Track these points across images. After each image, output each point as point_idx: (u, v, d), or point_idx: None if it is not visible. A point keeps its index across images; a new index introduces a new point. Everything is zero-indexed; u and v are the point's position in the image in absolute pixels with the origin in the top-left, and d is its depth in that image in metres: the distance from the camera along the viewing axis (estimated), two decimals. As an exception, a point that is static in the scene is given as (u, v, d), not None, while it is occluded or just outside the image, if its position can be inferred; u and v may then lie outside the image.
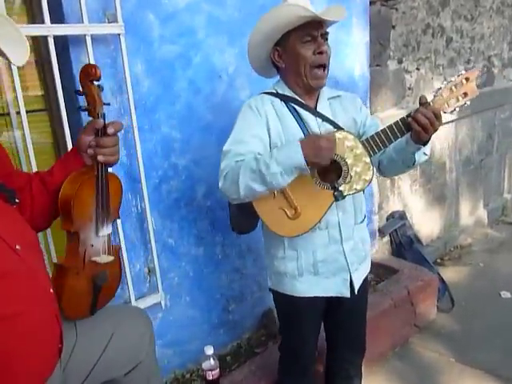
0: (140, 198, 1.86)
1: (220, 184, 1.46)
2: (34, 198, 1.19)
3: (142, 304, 1.89)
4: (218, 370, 1.86)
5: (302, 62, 1.48)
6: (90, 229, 1.21)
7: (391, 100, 2.99)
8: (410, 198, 3.34)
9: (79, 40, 1.61)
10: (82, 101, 1.24)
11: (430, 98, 1.42)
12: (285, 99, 1.56)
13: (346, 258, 1.58)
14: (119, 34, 1.66)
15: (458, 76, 1.42)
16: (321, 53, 1.48)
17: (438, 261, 3.63)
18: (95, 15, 1.66)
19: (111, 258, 1.25)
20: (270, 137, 1.52)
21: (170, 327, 2.07)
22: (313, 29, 1.46)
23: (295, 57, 1.49)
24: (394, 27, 2.87)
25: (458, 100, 1.41)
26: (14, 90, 1.73)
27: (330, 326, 1.84)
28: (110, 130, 1.18)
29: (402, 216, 3.18)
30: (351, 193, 1.45)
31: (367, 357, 2.41)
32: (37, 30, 1.49)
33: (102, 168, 1.19)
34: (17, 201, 1.08)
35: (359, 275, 1.66)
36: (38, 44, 1.71)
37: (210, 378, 1.83)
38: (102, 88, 1.23)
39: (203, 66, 1.99)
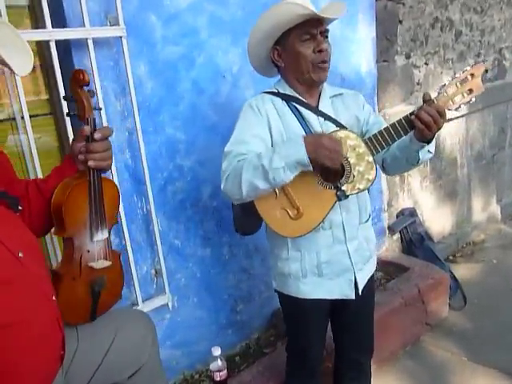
0: (145, 200, 1.86)
1: (222, 185, 1.46)
2: (31, 204, 1.20)
3: (150, 306, 1.90)
4: (226, 370, 1.85)
5: (303, 60, 1.46)
6: (85, 234, 1.21)
7: (399, 96, 2.95)
8: (420, 195, 3.30)
9: (81, 44, 1.62)
10: (74, 106, 1.24)
11: (434, 94, 1.39)
12: (286, 98, 1.55)
13: (350, 258, 1.57)
14: (121, 37, 1.66)
15: (463, 72, 1.39)
16: (321, 51, 1.46)
17: (450, 258, 3.58)
18: (97, 18, 1.66)
19: (108, 263, 1.24)
20: (271, 136, 1.51)
21: (178, 328, 2.07)
22: (312, 27, 1.45)
23: (295, 55, 1.47)
24: (401, 22, 2.83)
25: (463, 97, 1.38)
26: (16, 95, 1.76)
27: (336, 328, 1.82)
28: (97, 136, 1.18)
29: (412, 213, 3.14)
30: (354, 192, 1.43)
31: (377, 356, 2.39)
32: (38, 34, 1.50)
33: (95, 173, 1.19)
34: (20, 208, 1.08)
35: (364, 275, 1.64)
36: (42, 48, 1.73)
37: (218, 378, 1.83)
38: (94, 93, 1.23)
39: (207, 66, 1.98)
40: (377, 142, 1.40)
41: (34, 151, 1.55)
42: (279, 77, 1.61)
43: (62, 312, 1.15)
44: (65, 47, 1.64)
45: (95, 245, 1.24)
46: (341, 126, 1.54)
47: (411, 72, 3.01)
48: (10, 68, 0.97)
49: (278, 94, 1.56)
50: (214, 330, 2.21)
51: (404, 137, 1.44)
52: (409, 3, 2.87)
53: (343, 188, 1.43)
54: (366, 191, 1.68)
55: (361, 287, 1.62)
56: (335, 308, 1.72)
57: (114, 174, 1.73)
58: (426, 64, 3.11)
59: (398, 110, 2.88)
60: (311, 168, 1.35)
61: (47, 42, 1.56)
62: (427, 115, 1.33)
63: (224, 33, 2.00)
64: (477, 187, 3.90)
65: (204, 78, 1.98)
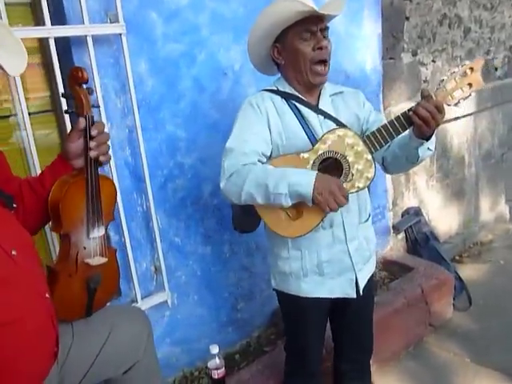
0: (145, 197, 1.86)
1: (222, 184, 1.45)
2: (25, 202, 1.20)
3: (149, 302, 1.90)
4: (224, 368, 1.86)
5: (302, 58, 1.45)
6: (81, 231, 1.21)
7: (405, 93, 2.92)
8: (426, 194, 3.27)
9: (81, 41, 1.62)
10: (72, 103, 1.24)
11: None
12: (285, 96, 1.54)
13: (350, 257, 1.55)
14: (120, 34, 1.66)
15: (462, 66, 1.36)
16: (320, 48, 1.45)
17: (457, 258, 3.54)
18: (97, 16, 1.66)
19: (104, 260, 1.25)
20: (270, 134, 1.50)
21: (178, 326, 2.07)
22: (312, 24, 1.43)
23: (294, 53, 1.46)
24: (407, 19, 2.80)
25: (462, 92, 1.36)
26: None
27: (336, 327, 1.82)
28: (94, 132, 1.18)
29: (417, 212, 3.10)
30: (353, 191, 1.42)
31: (379, 356, 2.38)
32: (38, 32, 1.51)
33: (92, 170, 1.19)
34: (14, 206, 1.09)
35: (364, 275, 1.63)
36: (43, 46, 1.73)
37: (216, 376, 1.83)
38: (92, 91, 1.23)
39: (208, 63, 1.98)
40: (375, 140, 1.39)
41: (33, 148, 1.55)
42: (279, 75, 1.60)
43: (58, 308, 1.16)
44: (65, 44, 1.65)
45: (91, 242, 1.24)
46: (340, 125, 1.52)
47: (418, 69, 2.97)
48: (1, 68, 0.97)
49: (277, 92, 1.55)
50: (215, 327, 2.21)
51: (403, 134, 1.42)
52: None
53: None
54: (367, 191, 1.67)
55: (361, 287, 1.61)
56: (335, 307, 1.71)
57: (113, 171, 1.73)
58: (434, 61, 3.07)
59: (404, 107, 2.82)
60: (310, 204, 1.35)
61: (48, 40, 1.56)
62: (425, 111, 1.31)
63: (226, 30, 1.99)
64: (485, 187, 3.85)
65: (205, 76, 1.98)
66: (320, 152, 1.42)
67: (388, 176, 2.93)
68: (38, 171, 1.60)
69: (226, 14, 1.98)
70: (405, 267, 2.85)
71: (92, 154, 1.18)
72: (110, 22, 1.68)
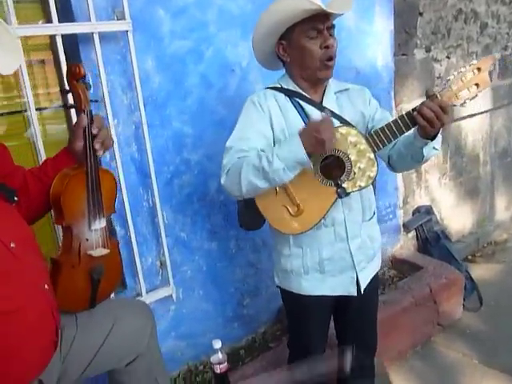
0: (151, 193, 1.88)
1: (222, 180, 1.46)
2: (30, 190, 1.24)
3: (154, 296, 1.93)
4: (226, 363, 1.86)
5: (309, 56, 1.44)
6: (83, 223, 1.24)
7: (418, 90, 2.87)
8: (438, 192, 3.22)
9: (88, 38, 1.64)
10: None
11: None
12: (289, 94, 1.53)
13: (352, 256, 1.55)
14: (127, 31, 1.67)
15: (470, 66, 1.34)
16: (327, 47, 1.43)
17: (469, 257, 3.49)
18: (104, 13, 1.68)
19: (106, 251, 1.27)
20: (273, 133, 1.50)
21: (184, 320, 2.10)
22: (318, 22, 1.42)
23: (301, 51, 1.45)
24: (421, 14, 2.75)
25: (469, 92, 1.34)
26: (32, 87, 1.80)
27: (339, 326, 1.82)
28: (95, 130, 1.21)
29: (428, 211, 3.06)
30: (355, 190, 1.41)
31: (385, 355, 2.37)
32: (45, 29, 1.53)
33: (92, 163, 1.22)
34: (16, 199, 1.11)
35: (366, 274, 1.62)
36: (54, 43, 1.76)
37: (218, 371, 1.83)
38: (90, 86, 1.26)
39: (215, 60, 1.98)
40: (378, 139, 1.37)
41: (40, 143, 1.58)
42: (284, 71, 1.59)
43: (62, 300, 1.19)
44: (73, 41, 1.67)
45: (93, 233, 1.26)
46: (345, 122, 1.51)
47: (431, 66, 2.92)
48: None
49: (281, 90, 1.55)
50: (220, 322, 2.23)
51: (408, 133, 1.41)
52: (430, -5, 2.79)
53: (344, 185, 1.41)
54: (371, 189, 1.66)
55: (363, 286, 1.60)
56: (338, 305, 1.71)
57: (119, 167, 1.76)
58: (448, 58, 3.01)
59: (416, 104, 2.80)
60: (311, 166, 1.33)
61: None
62: (429, 111, 1.29)
63: (233, 26, 1.99)
64: (500, 185, 3.77)
65: (212, 72, 1.98)
66: (322, 150, 1.41)
67: (399, 174, 2.90)
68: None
69: (234, 11, 1.98)
70: (414, 266, 2.82)
71: (99, 153, 1.23)
72: (117, 19, 1.69)
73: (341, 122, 1.51)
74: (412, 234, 3.10)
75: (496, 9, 3.27)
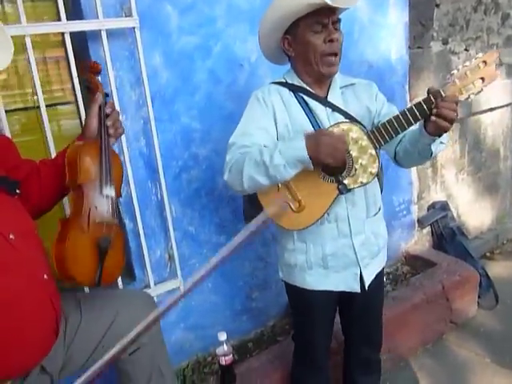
0: (159, 187, 1.91)
1: (225, 176, 1.48)
2: (42, 179, 1.30)
3: (162, 288, 1.97)
4: (232, 355, 1.90)
5: (312, 50, 1.43)
6: (95, 185, 1.30)
7: (434, 84, 2.81)
8: (455, 188, 3.16)
9: (97, 35, 1.67)
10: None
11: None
12: (293, 89, 1.53)
13: (355, 252, 1.54)
14: (134, 28, 1.69)
15: (475, 59, 1.31)
16: (331, 41, 1.42)
17: (488, 255, 3.41)
18: (112, 10, 1.71)
19: (114, 221, 1.32)
20: (277, 128, 1.50)
21: (192, 312, 2.13)
22: (323, 16, 1.40)
23: (305, 45, 1.44)
24: (438, 6, 2.68)
25: (474, 86, 1.31)
26: (44, 84, 1.85)
27: (345, 322, 1.83)
28: (108, 110, 1.37)
29: (444, 206, 3.01)
30: (356, 186, 1.40)
31: (394, 351, 2.36)
32: (54, 27, 1.57)
33: (105, 138, 1.34)
34: (18, 191, 1.15)
35: (371, 271, 1.61)
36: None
37: (223, 363, 1.88)
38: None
39: (224, 55, 1.99)
40: (379, 135, 1.36)
41: (50, 137, 1.62)
42: (289, 66, 1.59)
43: (70, 266, 1.22)
44: (82, 38, 1.71)
45: (104, 200, 1.31)
46: (349, 118, 1.51)
47: (449, 58, 2.85)
48: None
49: (285, 85, 1.55)
50: (229, 315, 2.26)
51: (413, 129, 1.39)
52: (448, -15, 2.72)
53: (345, 182, 1.40)
54: (377, 184, 1.65)
55: (367, 282, 1.60)
56: (343, 301, 1.71)
57: (127, 161, 1.79)
58: (467, 50, 2.93)
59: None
60: (312, 166, 1.33)
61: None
62: (450, 112, 1.26)
63: (242, 21, 1.99)
64: (521, 181, 3.67)
65: (221, 68, 1.99)
66: (323, 146, 1.41)
67: (413, 168, 2.85)
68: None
69: (242, 6, 1.98)
70: (428, 262, 2.79)
71: (111, 133, 1.36)
72: (125, 16, 1.72)
73: (345, 117, 1.50)
74: (427, 230, 3.06)
75: (519, -1, 3.16)
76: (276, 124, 1.50)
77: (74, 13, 1.70)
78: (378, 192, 1.65)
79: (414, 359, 2.44)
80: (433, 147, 1.39)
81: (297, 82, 1.53)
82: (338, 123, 1.40)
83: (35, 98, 1.85)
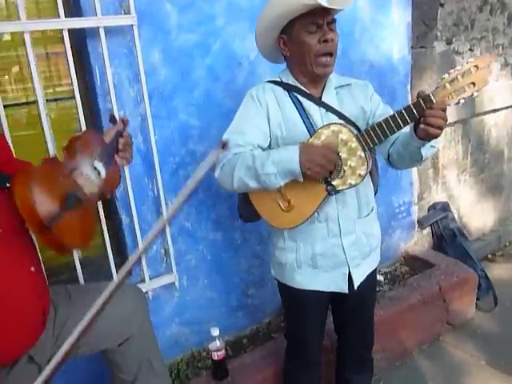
0: (156, 183, 1.94)
1: (216, 173, 1.50)
2: None
3: (157, 283, 1.99)
4: (224, 351, 1.92)
5: (307, 50, 1.44)
6: (87, 159, 1.29)
7: (437, 84, 2.79)
8: (457, 189, 3.14)
9: (96, 32, 1.69)
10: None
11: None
12: (288, 88, 1.54)
13: (344, 252, 1.55)
14: (132, 25, 1.71)
15: (467, 63, 1.30)
16: (326, 41, 1.42)
17: (489, 256, 3.40)
18: (112, 7, 1.72)
19: (93, 189, 1.28)
20: (270, 127, 1.51)
21: (188, 307, 2.16)
22: (318, 17, 1.41)
23: (300, 45, 1.45)
24: (442, 5, 2.66)
25: (464, 91, 1.30)
26: (45, 79, 1.89)
27: (337, 321, 1.85)
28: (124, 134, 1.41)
29: (444, 207, 3.00)
30: (345, 188, 1.41)
31: (389, 352, 2.37)
32: (52, 24, 1.59)
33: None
34: (8, 185, 1.17)
35: (362, 271, 1.62)
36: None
37: (216, 358, 1.90)
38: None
39: (223, 53, 2.00)
40: (368, 138, 1.36)
41: (47, 131, 1.65)
42: (285, 65, 1.60)
43: (38, 193, 1.11)
44: (81, 35, 1.73)
45: (91, 173, 1.28)
46: (343, 118, 1.51)
47: (452, 58, 2.84)
48: None
49: (280, 84, 1.55)
50: (224, 311, 2.28)
51: (405, 131, 1.39)
52: (453, -15, 2.69)
53: (334, 183, 1.41)
54: (370, 184, 1.65)
55: (357, 282, 1.60)
56: (334, 301, 1.73)
57: (124, 157, 1.81)
58: (471, 50, 2.91)
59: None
60: (302, 179, 1.35)
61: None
62: (435, 119, 1.26)
63: (241, 19, 2.00)
64: (526, 183, 3.64)
65: (220, 65, 2.00)
66: (313, 146, 1.42)
67: (414, 169, 2.85)
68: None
69: (242, 3, 1.99)
70: (426, 263, 2.79)
71: (120, 147, 1.38)
72: (124, 13, 1.74)
73: (339, 118, 1.51)
74: (427, 230, 3.05)
75: (526, -1, 3.12)
76: (269, 122, 1.51)
77: (75, 9, 1.73)
78: (371, 193, 1.66)
79: (410, 359, 2.45)
80: (423, 151, 1.39)
81: (291, 81, 1.54)
82: (329, 124, 1.41)
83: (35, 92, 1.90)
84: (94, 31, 1.69)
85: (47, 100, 1.90)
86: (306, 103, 1.52)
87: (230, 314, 2.31)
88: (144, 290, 1.94)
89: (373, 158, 1.63)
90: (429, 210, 3.01)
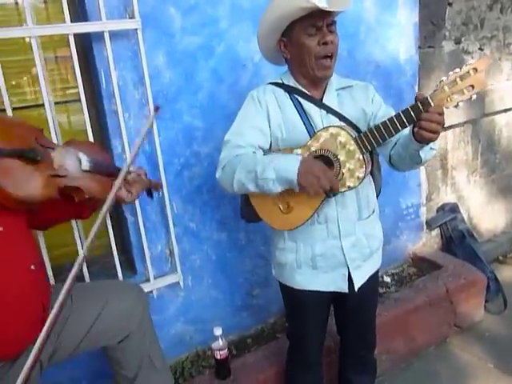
0: (160, 183, 1.96)
1: (217, 174, 1.52)
2: None
3: (162, 282, 2.02)
4: (227, 350, 1.94)
5: (307, 53, 1.44)
6: (73, 150, 1.36)
7: (446, 84, 2.77)
8: (466, 190, 3.11)
9: (101, 36, 1.72)
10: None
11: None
12: (289, 90, 1.55)
13: (344, 253, 1.56)
14: (136, 29, 1.74)
15: (466, 66, 1.30)
16: (325, 43, 1.43)
17: (501, 258, 3.35)
18: (117, 12, 1.76)
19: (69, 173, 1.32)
20: (270, 128, 1.52)
21: (192, 306, 2.18)
22: (317, 19, 1.41)
23: (300, 48, 1.46)
24: (450, 4, 2.64)
25: (462, 93, 1.29)
26: (54, 82, 1.93)
27: (338, 322, 1.85)
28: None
29: (453, 208, 2.97)
30: (343, 190, 1.41)
31: (394, 353, 2.36)
32: (58, 29, 1.62)
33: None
34: None
35: (362, 273, 1.62)
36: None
37: (219, 357, 1.92)
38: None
39: (227, 55, 2.01)
40: (366, 141, 1.36)
41: (53, 133, 1.69)
42: (286, 67, 1.61)
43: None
44: (88, 39, 1.77)
45: (69, 156, 1.33)
46: (344, 120, 1.52)
47: (462, 58, 2.81)
48: None
49: (281, 85, 1.57)
50: (229, 311, 2.30)
51: (405, 133, 1.39)
52: (462, -16, 2.67)
53: None
54: (372, 186, 1.66)
55: (358, 284, 1.60)
56: (336, 302, 1.73)
57: (128, 158, 1.84)
58: (481, 49, 2.88)
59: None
60: (298, 190, 1.35)
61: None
62: (432, 124, 1.26)
63: (245, 21, 2.01)
64: (539, 184, 3.58)
65: (224, 67, 2.02)
66: (312, 149, 1.43)
67: (422, 169, 2.83)
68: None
69: (246, 5, 2.00)
70: (434, 265, 2.77)
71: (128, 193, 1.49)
72: (129, 18, 1.76)
73: (340, 120, 1.51)
74: (436, 232, 3.03)
75: (539, -3, 3.07)
76: (270, 124, 1.52)
77: (81, 14, 1.76)
78: (372, 194, 1.66)
79: (416, 361, 2.43)
80: (421, 154, 1.39)
81: (292, 83, 1.55)
82: (327, 127, 1.42)
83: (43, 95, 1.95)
84: (99, 35, 1.73)
85: (55, 102, 1.96)
86: (307, 105, 1.52)
87: (234, 313, 2.32)
88: (149, 290, 1.98)
89: (374, 161, 1.63)
90: (437, 211, 2.99)
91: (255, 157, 1.43)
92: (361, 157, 1.38)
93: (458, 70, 1.29)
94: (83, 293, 1.42)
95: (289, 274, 1.63)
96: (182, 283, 2.08)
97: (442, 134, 2.80)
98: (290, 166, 1.34)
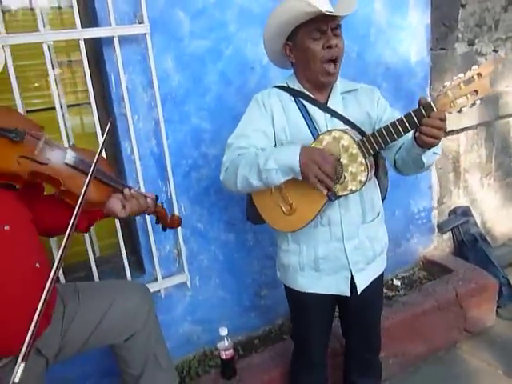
0: (169, 185, 1.99)
1: (221, 176, 1.54)
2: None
3: (169, 282, 2.06)
4: (232, 350, 1.96)
5: (312, 57, 1.45)
6: (63, 147, 1.37)
7: (459, 86, 2.74)
8: (480, 193, 3.07)
9: (111, 40, 1.76)
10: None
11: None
12: (294, 94, 1.56)
13: (347, 256, 1.56)
14: (145, 34, 1.77)
15: (470, 71, 1.29)
16: (330, 47, 1.44)
17: (515, 263, 3.29)
18: (126, 17, 1.80)
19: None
20: (274, 131, 1.54)
21: (200, 306, 2.21)
22: (322, 23, 1.42)
23: (305, 52, 1.47)
24: (463, 6, 2.61)
25: (466, 99, 1.28)
26: (68, 85, 1.98)
27: (343, 325, 1.85)
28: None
29: (465, 212, 2.93)
30: (345, 193, 1.42)
31: (401, 357, 2.35)
32: (69, 34, 1.67)
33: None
34: (17, 187, 1.25)
35: (365, 276, 1.62)
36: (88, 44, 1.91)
37: (224, 357, 1.94)
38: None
39: (235, 58, 2.04)
40: (369, 144, 1.37)
41: (64, 135, 1.74)
42: (292, 71, 1.62)
43: None
44: (99, 44, 1.81)
45: (58, 153, 1.33)
46: (348, 123, 1.52)
47: (475, 60, 2.77)
48: None
49: (286, 89, 1.58)
50: (237, 311, 2.32)
51: (409, 137, 1.39)
52: (475, -15, 2.63)
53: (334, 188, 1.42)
54: (377, 189, 1.66)
55: (361, 287, 1.60)
56: (340, 305, 1.74)
57: (137, 160, 1.88)
58: (495, 51, 2.83)
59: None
60: (300, 178, 1.36)
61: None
62: (430, 128, 1.26)
63: (253, 24, 2.03)
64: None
65: (232, 70, 2.04)
66: (315, 151, 1.43)
67: (434, 172, 2.80)
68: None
69: (254, 9, 2.02)
70: (445, 269, 2.74)
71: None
72: (138, 23, 1.80)
73: (344, 123, 1.52)
74: (448, 235, 2.99)
75: (556, -3, 3.01)
76: (274, 127, 1.53)
77: (92, 20, 1.81)
78: (377, 197, 1.66)
79: (424, 365, 2.41)
80: (424, 158, 1.38)
81: (297, 86, 1.56)
82: (330, 130, 1.42)
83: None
84: (109, 40, 1.77)
85: (68, 105, 2.01)
86: (311, 108, 1.53)
87: (242, 314, 2.34)
88: (157, 289, 2.01)
89: (380, 165, 1.63)
90: (449, 215, 2.96)
91: (257, 152, 1.45)
92: (363, 160, 1.38)
93: (461, 74, 1.28)
94: (90, 291, 1.46)
95: (292, 276, 1.64)
96: (189, 283, 2.10)
97: (454, 136, 2.77)
98: (291, 154, 1.35)
